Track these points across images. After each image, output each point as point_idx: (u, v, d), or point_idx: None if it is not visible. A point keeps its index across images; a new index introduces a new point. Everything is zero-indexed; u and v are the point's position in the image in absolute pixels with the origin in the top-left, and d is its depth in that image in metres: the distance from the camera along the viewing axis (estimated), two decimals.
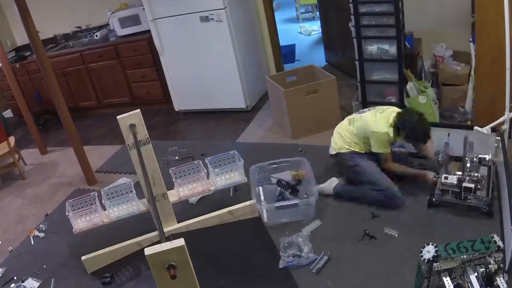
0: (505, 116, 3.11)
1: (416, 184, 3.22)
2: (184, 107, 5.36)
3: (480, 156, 2.97)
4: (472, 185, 2.81)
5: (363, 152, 3.27)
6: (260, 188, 3.47)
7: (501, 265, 2.00)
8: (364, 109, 3.41)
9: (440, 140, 3.18)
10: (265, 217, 3.24)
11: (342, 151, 3.31)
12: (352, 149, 3.28)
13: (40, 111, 6.06)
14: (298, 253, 2.85)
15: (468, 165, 2.94)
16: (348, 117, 3.42)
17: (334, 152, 3.38)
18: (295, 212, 3.16)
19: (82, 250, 3.23)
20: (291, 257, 2.83)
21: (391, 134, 3.09)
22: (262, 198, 3.37)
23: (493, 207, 2.84)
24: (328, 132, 3.67)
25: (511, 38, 2.93)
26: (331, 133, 3.49)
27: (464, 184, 2.83)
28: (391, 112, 3.18)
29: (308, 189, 3.30)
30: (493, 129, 3.14)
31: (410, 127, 3.04)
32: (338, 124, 3.48)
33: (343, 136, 3.33)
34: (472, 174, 2.89)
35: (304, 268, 2.77)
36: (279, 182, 3.38)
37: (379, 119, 3.15)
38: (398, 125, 3.08)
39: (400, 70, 3.97)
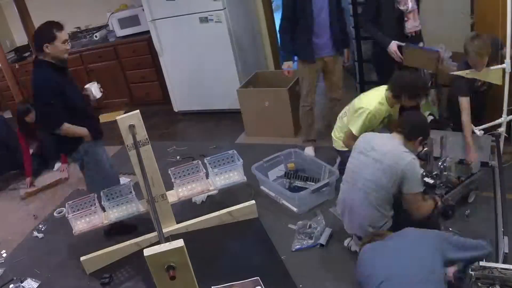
0: (502, 119, 3.11)
1: None
2: (183, 108, 5.35)
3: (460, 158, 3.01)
4: (431, 181, 2.76)
5: None
6: (263, 187, 3.60)
7: None
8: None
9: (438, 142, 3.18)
10: (294, 208, 3.30)
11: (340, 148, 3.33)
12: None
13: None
14: (309, 231, 3.01)
15: (439, 164, 2.93)
16: (340, 114, 3.41)
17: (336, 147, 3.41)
18: (320, 195, 3.31)
19: (81, 250, 3.23)
20: (304, 240, 2.99)
21: (371, 108, 3.02)
22: (272, 194, 3.51)
23: (451, 210, 2.74)
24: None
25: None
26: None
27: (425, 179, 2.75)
28: (378, 89, 3.16)
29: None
30: (489, 132, 3.14)
31: (407, 82, 2.96)
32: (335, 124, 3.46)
33: (338, 128, 3.37)
34: (442, 174, 2.87)
35: (305, 268, 2.78)
36: (286, 174, 3.57)
37: (371, 97, 3.12)
38: (395, 90, 3.00)
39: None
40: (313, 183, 3.41)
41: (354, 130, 3.08)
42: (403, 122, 2.67)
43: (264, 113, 4.38)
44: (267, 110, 4.35)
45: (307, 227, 3.05)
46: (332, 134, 3.42)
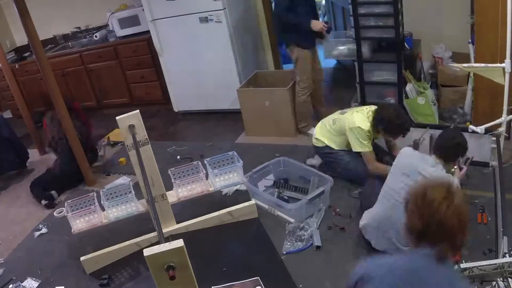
0: (502, 118, 3.10)
1: None
2: (183, 108, 5.35)
3: None
4: None
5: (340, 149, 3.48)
6: (254, 200, 3.43)
7: None
8: (345, 109, 3.55)
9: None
10: (291, 219, 3.20)
11: (319, 145, 3.55)
12: (329, 144, 3.50)
13: (40, 111, 6.04)
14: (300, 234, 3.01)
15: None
16: (332, 115, 3.58)
17: (315, 139, 3.61)
18: (315, 203, 3.23)
19: (81, 250, 3.23)
20: (295, 242, 2.97)
21: (367, 129, 3.23)
22: (266, 206, 3.40)
23: None
24: None
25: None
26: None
27: None
28: (369, 109, 3.32)
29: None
30: (490, 132, 3.14)
31: (387, 119, 3.15)
32: (326, 118, 3.65)
33: (326, 128, 3.55)
34: None
35: (305, 268, 2.78)
36: (275, 183, 3.49)
37: (355, 116, 3.31)
38: (376, 120, 3.21)
39: (399, 71, 3.97)
40: (302, 193, 3.34)
41: (367, 148, 3.26)
42: (439, 146, 2.72)
43: (264, 113, 4.38)
44: (267, 110, 4.34)
45: (299, 229, 3.04)
46: (316, 133, 3.63)
